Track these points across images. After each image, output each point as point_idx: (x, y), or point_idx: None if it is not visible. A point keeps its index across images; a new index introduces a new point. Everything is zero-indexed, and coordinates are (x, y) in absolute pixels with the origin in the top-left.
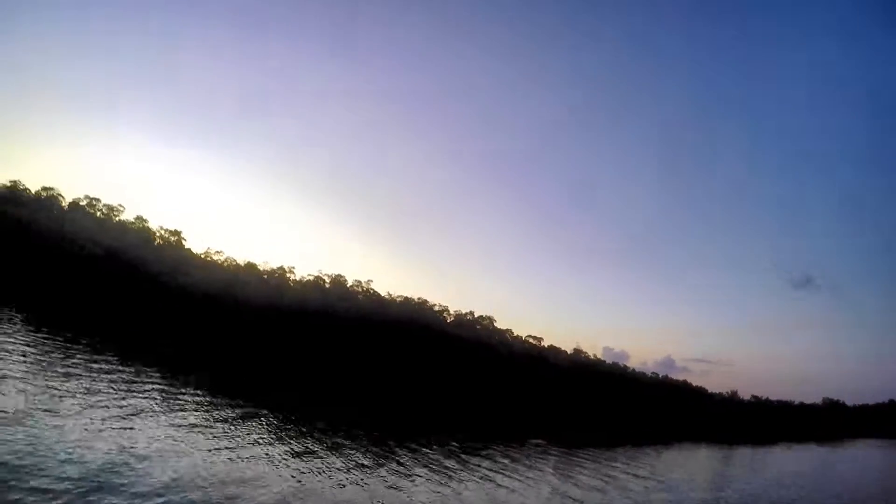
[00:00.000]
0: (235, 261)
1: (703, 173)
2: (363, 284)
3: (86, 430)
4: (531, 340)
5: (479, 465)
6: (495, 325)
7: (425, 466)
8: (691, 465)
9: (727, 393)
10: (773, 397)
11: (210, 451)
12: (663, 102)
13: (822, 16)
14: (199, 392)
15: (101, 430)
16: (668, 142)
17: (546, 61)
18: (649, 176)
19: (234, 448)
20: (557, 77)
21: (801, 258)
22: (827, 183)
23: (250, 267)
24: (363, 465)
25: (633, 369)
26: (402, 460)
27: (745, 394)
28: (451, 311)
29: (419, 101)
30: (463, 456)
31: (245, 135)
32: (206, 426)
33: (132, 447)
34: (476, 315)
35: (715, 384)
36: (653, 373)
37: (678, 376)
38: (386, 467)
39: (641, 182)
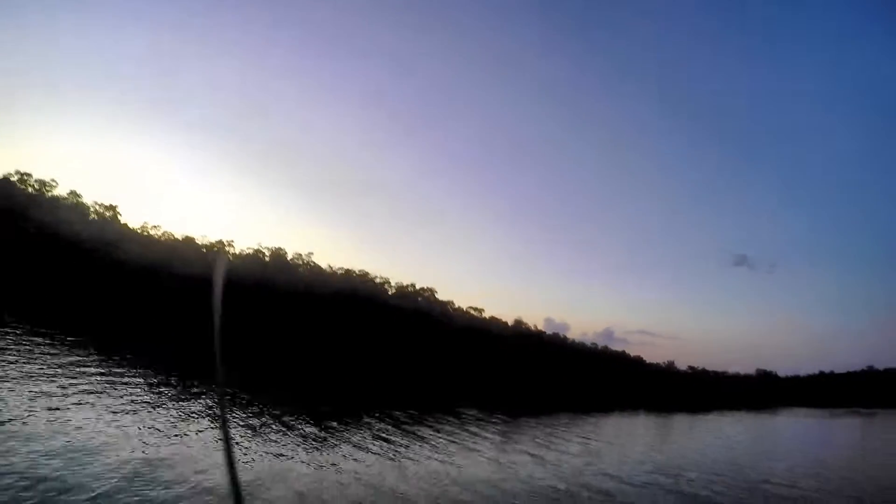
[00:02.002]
0: (173, 235)
1: (648, 148)
2: (304, 257)
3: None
4: (472, 312)
5: (422, 437)
6: (436, 296)
7: (368, 441)
8: (628, 430)
9: (664, 363)
10: (709, 368)
11: (150, 433)
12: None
13: None
14: (135, 372)
15: (31, 418)
16: (612, 115)
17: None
18: (594, 148)
19: (177, 431)
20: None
21: (737, 236)
22: (762, 163)
23: (188, 241)
24: (305, 443)
25: (574, 340)
26: (343, 436)
27: (681, 365)
28: (393, 284)
29: (360, 71)
30: (405, 428)
31: (182, 107)
32: (147, 408)
33: (70, 433)
34: (417, 287)
35: (654, 356)
36: (592, 343)
37: (617, 348)
38: (328, 444)
39: (586, 153)
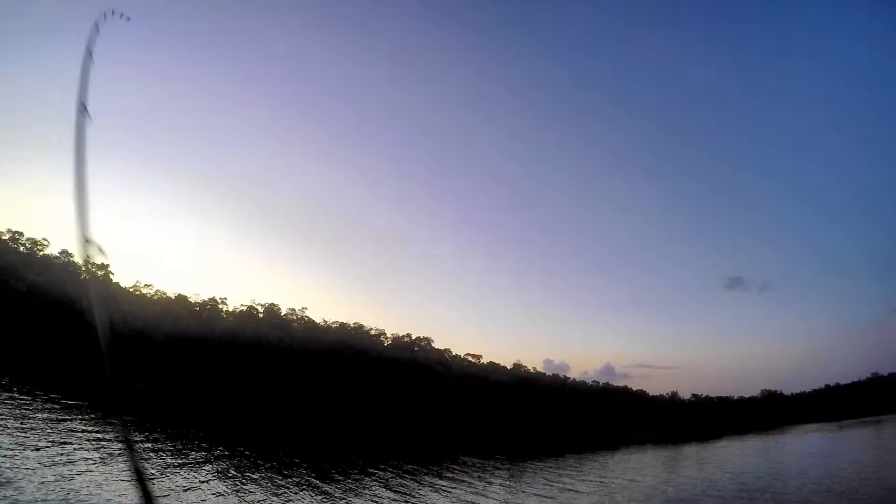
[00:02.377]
0: (165, 293)
1: (633, 179)
2: (297, 312)
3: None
4: (470, 358)
5: (430, 486)
6: (433, 345)
7: (374, 493)
8: (638, 466)
9: (667, 394)
10: (712, 394)
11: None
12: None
13: None
14: (134, 433)
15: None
16: (597, 149)
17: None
18: (581, 184)
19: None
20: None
21: (727, 260)
22: (746, 185)
23: (181, 299)
24: (309, 499)
25: (574, 379)
26: (347, 490)
27: (685, 394)
28: (389, 335)
29: (345, 121)
30: (412, 479)
31: (172, 166)
32: (149, 470)
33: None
34: (413, 337)
35: (656, 387)
36: (594, 381)
37: (619, 383)
38: (333, 499)
39: (577, 193)
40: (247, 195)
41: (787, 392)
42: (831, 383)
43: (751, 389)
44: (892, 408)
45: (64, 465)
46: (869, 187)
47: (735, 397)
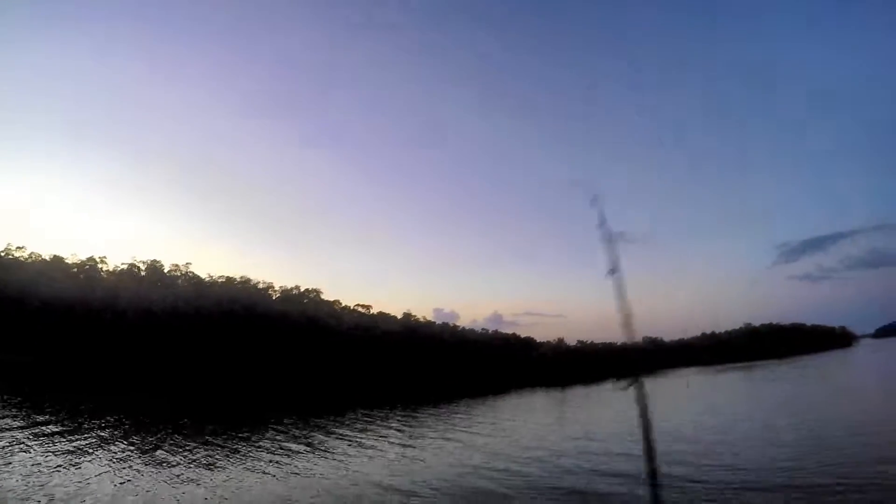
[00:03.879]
0: (41, 256)
1: (523, 131)
2: (181, 268)
3: None
4: (360, 309)
5: (324, 440)
6: (322, 296)
7: (265, 450)
8: (528, 408)
9: (554, 341)
10: (597, 341)
11: (40, 457)
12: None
13: None
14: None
15: None
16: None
17: None
18: (475, 129)
19: (64, 457)
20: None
21: (613, 215)
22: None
23: (56, 261)
24: (198, 460)
25: (463, 328)
26: (237, 448)
27: (571, 340)
28: (277, 288)
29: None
30: (304, 433)
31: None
32: (25, 434)
33: None
34: (302, 289)
35: (543, 335)
36: (483, 329)
37: (507, 331)
38: (222, 458)
39: (467, 133)
40: (122, 144)
41: (667, 339)
42: (708, 332)
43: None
44: (763, 355)
45: None
46: (752, 147)
47: (619, 343)
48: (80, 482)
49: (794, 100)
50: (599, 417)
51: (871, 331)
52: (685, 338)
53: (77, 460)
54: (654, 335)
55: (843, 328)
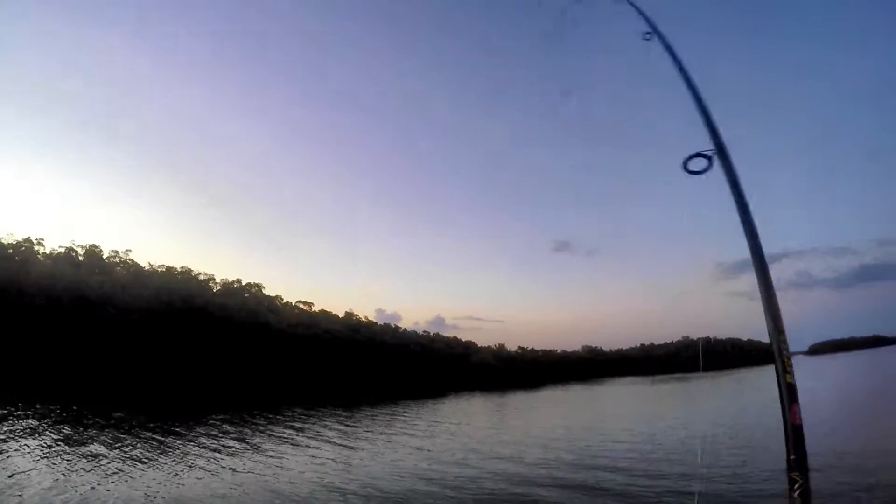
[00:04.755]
0: None
1: (474, 140)
2: (120, 255)
3: None
4: (301, 306)
5: (261, 437)
6: (264, 291)
7: (194, 452)
8: (467, 411)
9: (495, 346)
10: (537, 347)
11: None
12: None
13: None
14: None
15: None
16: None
17: None
18: (426, 140)
19: None
20: None
21: (557, 224)
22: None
23: None
24: (133, 455)
25: (405, 329)
26: (173, 444)
27: (511, 346)
28: (218, 280)
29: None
30: (241, 430)
31: None
32: None
33: None
34: (244, 283)
35: (484, 340)
36: (424, 331)
37: (449, 334)
38: (157, 454)
39: (420, 143)
40: (66, 121)
41: (606, 348)
42: (646, 342)
43: (573, 344)
44: (696, 368)
45: None
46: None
47: (559, 351)
48: (7, 478)
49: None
50: (537, 422)
51: (805, 348)
52: (624, 348)
53: (1, 454)
54: (594, 344)
55: None
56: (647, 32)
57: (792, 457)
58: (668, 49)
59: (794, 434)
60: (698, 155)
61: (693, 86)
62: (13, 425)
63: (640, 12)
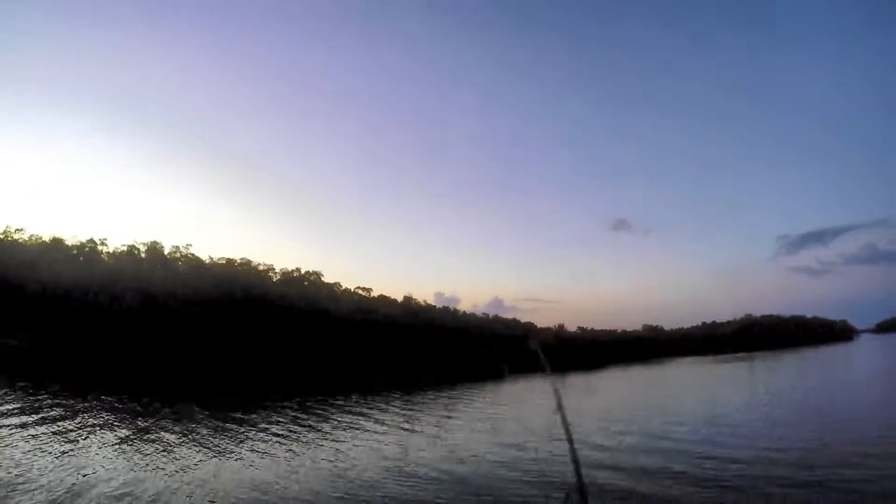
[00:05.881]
0: (41, 238)
1: (529, 119)
2: (181, 249)
3: None
4: (360, 292)
5: (325, 424)
6: (323, 279)
7: (272, 434)
8: (529, 394)
9: (555, 326)
10: (597, 328)
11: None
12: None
13: None
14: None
15: None
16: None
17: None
18: (481, 121)
19: (73, 443)
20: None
21: (615, 202)
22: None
23: (57, 242)
24: (207, 444)
25: (464, 312)
26: (244, 432)
27: (571, 326)
28: (278, 270)
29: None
30: (306, 417)
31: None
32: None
33: None
34: (303, 272)
35: (544, 321)
36: (483, 313)
37: (508, 315)
38: (232, 442)
39: (472, 126)
40: (123, 121)
41: (667, 327)
42: (708, 321)
43: (634, 324)
44: (762, 346)
45: None
46: (755, 139)
47: (618, 330)
48: (80, 468)
49: (796, 95)
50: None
51: (872, 325)
52: (685, 327)
53: (74, 446)
54: (653, 324)
55: (843, 322)
56: None
57: None
58: None
59: None
60: None
61: None
62: (85, 418)
63: None
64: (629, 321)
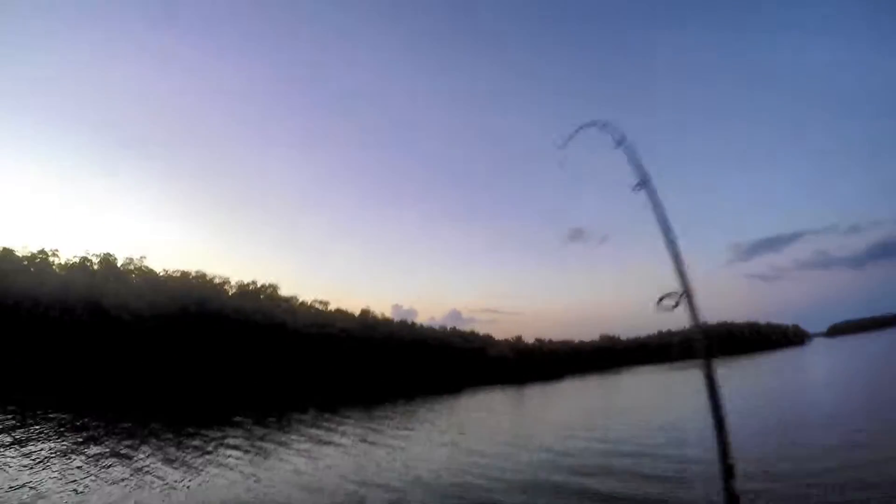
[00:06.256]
0: None
1: (490, 128)
2: (135, 262)
3: None
4: (317, 305)
5: (283, 438)
6: (279, 292)
7: (227, 450)
8: (487, 406)
9: (512, 338)
10: (555, 338)
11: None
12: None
13: None
14: None
15: None
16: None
17: None
18: (441, 131)
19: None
20: None
21: (571, 211)
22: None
23: (6, 253)
24: (156, 462)
25: (422, 325)
26: (192, 452)
27: (528, 338)
28: (233, 283)
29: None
30: (263, 433)
31: None
32: None
33: None
34: (259, 285)
35: (501, 332)
36: (441, 326)
37: (465, 328)
38: (185, 459)
39: (434, 133)
40: (76, 127)
41: (624, 337)
42: (664, 329)
43: (591, 334)
44: (715, 353)
45: None
46: (712, 148)
47: (576, 341)
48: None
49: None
50: (559, 415)
51: (824, 329)
52: (641, 336)
53: (11, 463)
54: (611, 333)
55: (796, 326)
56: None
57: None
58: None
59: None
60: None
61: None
62: (36, 434)
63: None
64: (587, 331)
